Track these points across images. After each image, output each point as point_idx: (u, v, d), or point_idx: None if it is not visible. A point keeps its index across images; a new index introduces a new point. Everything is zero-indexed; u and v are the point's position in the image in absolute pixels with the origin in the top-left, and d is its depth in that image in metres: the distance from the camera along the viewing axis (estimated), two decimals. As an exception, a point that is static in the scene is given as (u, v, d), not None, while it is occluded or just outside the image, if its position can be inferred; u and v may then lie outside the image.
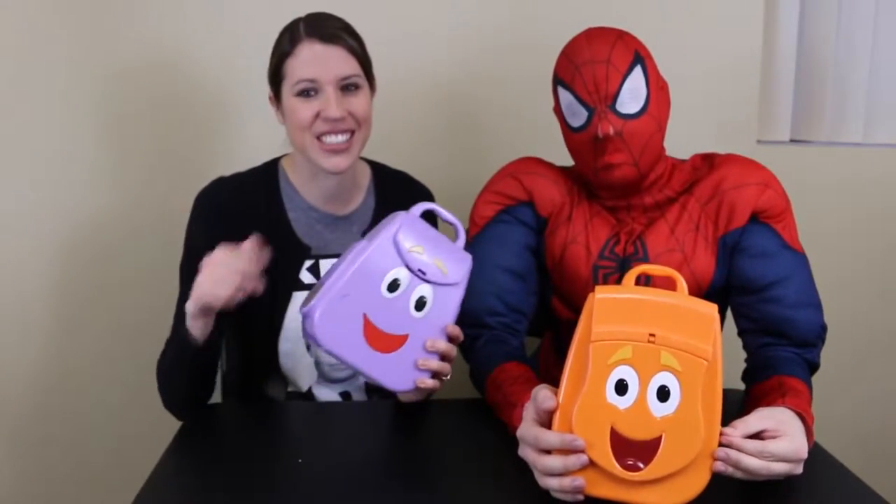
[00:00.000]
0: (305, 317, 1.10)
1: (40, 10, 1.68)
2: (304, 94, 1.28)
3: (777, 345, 1.25)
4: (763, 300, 1.25)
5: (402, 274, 1.10)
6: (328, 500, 1.00)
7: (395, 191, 1.45)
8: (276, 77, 1.32)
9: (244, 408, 1.22)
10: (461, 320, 1.31)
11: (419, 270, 1.11)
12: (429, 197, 1.49)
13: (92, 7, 1.69)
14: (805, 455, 1.00)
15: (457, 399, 1.35)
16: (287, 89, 1.30)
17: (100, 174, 1.74)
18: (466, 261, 1.16)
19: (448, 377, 1.17)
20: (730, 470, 0.94)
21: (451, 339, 1.16)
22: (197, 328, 1.21)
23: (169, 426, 1.25)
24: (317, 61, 1.28)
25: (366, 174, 1.45)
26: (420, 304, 1.12)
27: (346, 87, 1.30)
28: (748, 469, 0.94)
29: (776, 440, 0.97)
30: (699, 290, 1.29)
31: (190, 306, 1.19)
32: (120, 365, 1.79)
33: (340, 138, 1.30)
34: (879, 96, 1.96)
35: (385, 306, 1.10)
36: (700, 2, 1.82)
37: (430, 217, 1.30)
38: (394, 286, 1.10)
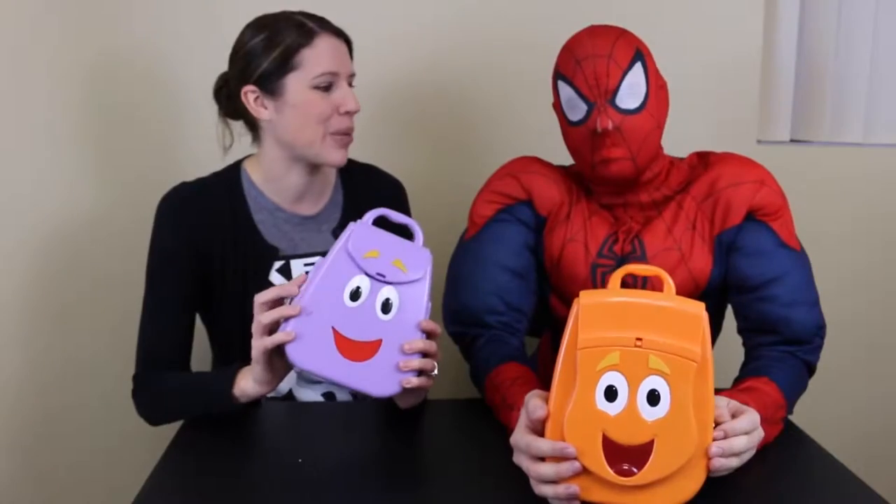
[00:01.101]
0: None
1: (26, 9, 1.68)
2: (323, 87, 1.28)
3: (770, 344, 1.25)
4: (758, 299, 1.25)
5: (362, 282, 1.11)
6: (328, 500, 1.00)
7: (362, 185, 1.45)
8: (281, 67, 1.28)
9: (244, 408, 1.22)
10: (462, 320, 1.32)
11: (378, 274, 1.11)
12: (395, 187, 1.49)
13: (78, 7, 1.69)
14: (757, 415, 1.01)
15: (456, 399, 1.35)
16: (300, 81, 1.28)
17: (81, 174, 1.74)
18: (426, 256, 1.16)
19: (436, 372, 1.15)
20: (724, 462, 0.94)
21: (427, 334, 1.14)
22: (247, 401, 1.21)
23: (169, 426, 1.25)
24: (337, 55, 1.29)
25: (332, 170, 1.44)
26: (386, 307, 1.12)
27: (350, 85, 1.32)
28: (740, 450, 0.95)
29: (742, 416, 0.98)
30: (697, 289, 1.29)
31: (250, 395, 1.19)
32: (120, 364, 1.78)
33: (349, 130, 1.32)
34: (879, 96, 1.96)
35: (351, 315, 1.10)
36: (700, 2, 1.82)
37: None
38: (356, 294, 1.10)
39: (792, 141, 1.95)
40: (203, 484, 1.05)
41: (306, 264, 1.37)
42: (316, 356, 1.09)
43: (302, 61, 1.27)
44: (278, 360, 1.14)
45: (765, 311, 1.24)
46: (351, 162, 1.47)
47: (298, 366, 1.09)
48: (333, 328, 1.09)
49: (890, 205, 1.94)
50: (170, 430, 1.22)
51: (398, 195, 1.49)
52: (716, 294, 1.31)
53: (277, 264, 1.36)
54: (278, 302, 1.12)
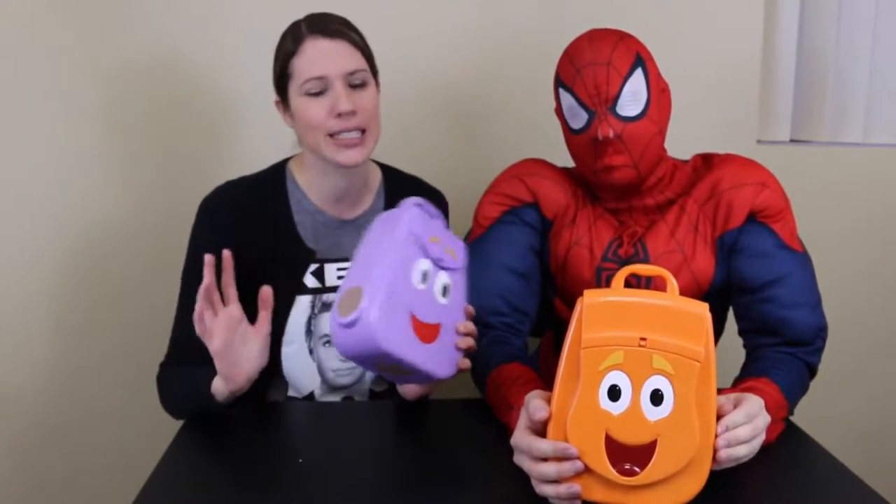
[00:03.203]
0: (355, 323, 1.04)
1: (44, 10, 1.68)
2: (314, 92, 1.27)
3: (771, 345, 1.25)
4: (759, 300, 1.25)
5: (426, 265, 1.13)
6: (328, 500, 1.00)
7: (405, 195, 1.44)
8: (281, 79, 1.31)
9: (244, 408, 1.22)
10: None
11: (438, 259, 1.14)
12: (438, 199, 1.48)
13: (97, 8, 1.69)
14: (758, 401, 1.00)
15: (457, 399, 1.35)
16: (295, 89, 1.29)
17: (105, 176, 1.74)
18: (463, 246, 1.21)
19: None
20: (731, 452, 0.94)
21: (469, 317, 1.19)
22: (226, 399, 1.22)
23: (169, 426, 1.25)
24: (323, 57, 1.27)
25: (377, 177, 1.44)
26: (445, 291, 1.15)
27: (354, 85, 1.29)
28: (746, 437, 0.95)
29: (740, 406, 0.98)
30: (699, 291, 1.29)
31: (223, 393, 1.20)
32: (122, 366, 1.79)
33: (353, 134, 1.29)
34: (879, 96, 1.96)
35: (422, 298, 1.11)
36: (700, 2, 1.82)
37: None
38: (424, 277, 1.12)
39: (792, 141, 1.95)
40: (203, 484, 1.05)
41: (339, 269, 1.37)
42: (393, 337, 1.06)
43: (293, 70, 1.28)
44: (239, 349, 1.16)
45: (766, 311, 1.24)
46: (396, 171, 1.47)
47: (381, 344, 1.04)
48: (410, 310, 1.09)
49: (890, 205, 1.94)
50: (170, 431, 1.22)
51: (441, 207, 1.47)
52: (718, 295, 1.31)
53: (312, 267, 1.36)
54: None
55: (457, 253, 1.18)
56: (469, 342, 1.16)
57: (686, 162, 1.36)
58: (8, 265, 1.75)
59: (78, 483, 1.83)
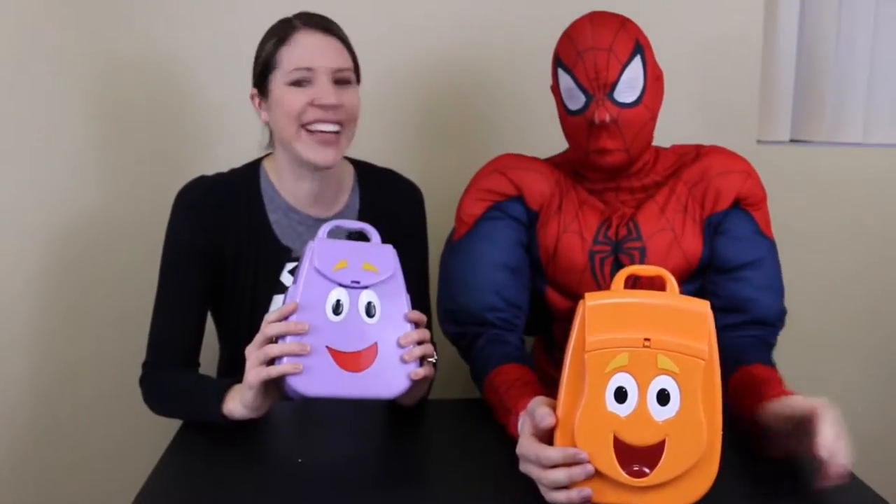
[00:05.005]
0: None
1: (30, 6, 1.67)
2: (298, 82, 1.27)
3: (736, 325, 1.30)
4: (733, 279, 1.31)
5: (340, 294, 1.11)
6: (328, 500, 1.00)
7: (380, 189, 1.44)
8: (265, 69, 1.30)
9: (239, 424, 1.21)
10: (460, 320, 1.32)
11: (353, 282, 1.12)
12: (415, 192, 1.47)
13: (82, 4, 1.68)
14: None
15: (457, 399, 1.35)
16: (279, 78, 1.28)
17: (88, 171, 1.73)
18: (390, 251, 1.17)
19: (435, 358, 1.15)
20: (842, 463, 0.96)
21: (416, 324, 1.15)
22: (239, 416, 1.17)
23: (169, 426, 1.25)
24: (314, 49, 1.28)
25: (350, 175, 1.43)
26: (370, 310, 1.12)
27: (339, 81, 1.29)
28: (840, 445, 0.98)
29: (825, 415, 1.01)
30: (689, 269, 1.33)
31: (239, 417, 1.16)
32: (120, 364, 1.78)
33: (331, 127, 1.28)
34: (879, 96, 1.96)
35: (340, 329, 1.10)
36: (700, 2, 1.82)
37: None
38: (338, 308, 1.11)
39: (792, 141, 1.95)
40: (203, 484, 1.05)
41: None
42: (321, 381, 1.08)
43: (280, 59, 1.28)
44: (272, 387, 1.12)
45: (737, 290, 1.31)
46: (369, 166, 1.46)
47: (306, 395, 1.08)
48: (328, 347, 1.09)
49: (890, 205, 1.94)
50: (169, 431, 1.22)
51: (415, 200, 1.47)
52: (701, 274, 1.35)
53: (290, 265, 1.35)
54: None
55: (378, 265, 1.14)
56: (416, 353, 1.12)
57: (666, 148, 1.40)
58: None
59: (77, 483, 1.82)
